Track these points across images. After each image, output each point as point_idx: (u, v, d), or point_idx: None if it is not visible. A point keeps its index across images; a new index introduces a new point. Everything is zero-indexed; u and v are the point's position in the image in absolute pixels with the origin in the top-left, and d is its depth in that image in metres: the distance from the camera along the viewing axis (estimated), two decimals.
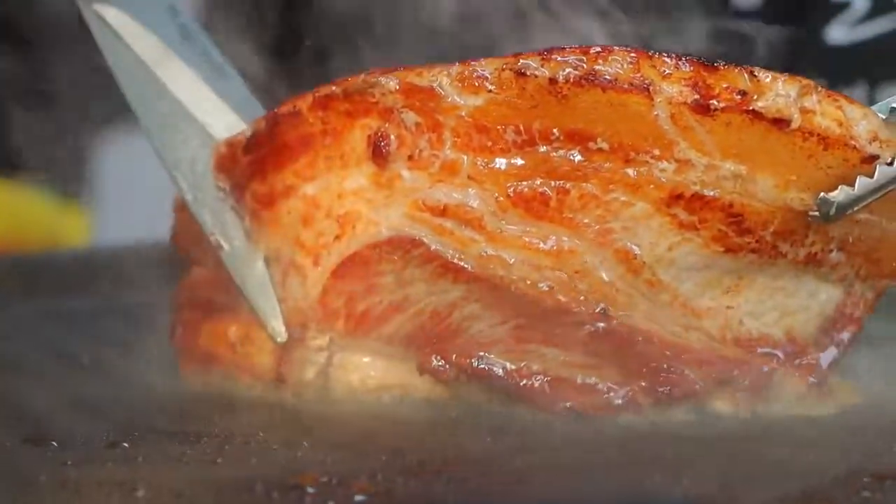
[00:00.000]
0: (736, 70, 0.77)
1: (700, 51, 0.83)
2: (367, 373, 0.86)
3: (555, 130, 0.79)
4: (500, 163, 0.80)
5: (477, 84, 0.79)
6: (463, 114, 0.79)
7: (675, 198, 0.79)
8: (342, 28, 1.14)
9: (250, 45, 1.07)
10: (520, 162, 0.79)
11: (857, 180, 0.78)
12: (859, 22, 1.25)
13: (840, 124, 0.78)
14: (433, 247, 0.81)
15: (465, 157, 0.80)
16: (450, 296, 0.82)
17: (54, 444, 0.76)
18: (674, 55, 0.77)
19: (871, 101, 1.19)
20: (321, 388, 0.86)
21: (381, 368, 0.85)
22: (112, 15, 0.90)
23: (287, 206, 0.84)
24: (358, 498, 0.68)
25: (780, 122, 0.77)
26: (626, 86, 0.77)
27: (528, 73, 0.78)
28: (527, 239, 0.80)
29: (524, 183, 0.80)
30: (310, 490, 0.69)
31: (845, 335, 0.85)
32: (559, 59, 0.78)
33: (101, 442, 0.77)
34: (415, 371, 0.84)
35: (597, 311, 0.80)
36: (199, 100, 0.89)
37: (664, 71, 0.77)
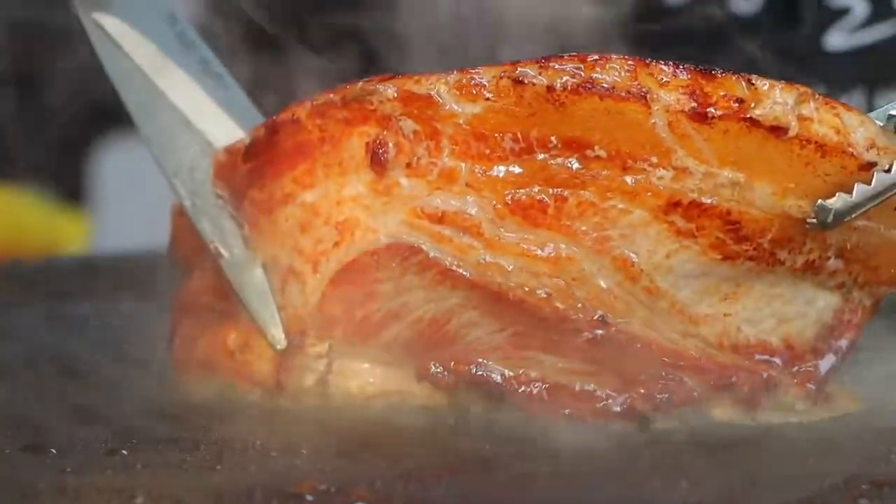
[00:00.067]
0: (733, 78, 0.77)
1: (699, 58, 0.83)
2: (365, 380, 0.86)
3: (552, 138, 0.79)
4: (498, 170, 0.80)
5: (475, 92, 0.79)
6: (461, 121, 0.79)
7: (673, 205, 0.79)
8: (343, 35, 1.14)
9: (249, 52, 1.07)
10: (518, 169, 0.79)
11: (855, 187, 0.78)
12: (858, 28, 1.25)
13: (837, 131, 0.78)
14: (431, 254, 0.81)
15: (464, 165, 0.80)
16: (448, 303, 0.82)
17: (53, 451, 0.76)
18: (671, 63, 0.78)
19: (870, 108, 1.20)
20: (320, 395, 0.86)
21: (379, 375, 0.85)
22: (111, 23, 0.90)
23: (286, 213, 0.85)
24: None
25: (778, 130, 0.77)
26: (623, 94, 0.77)
27: (525, 81, 0.78)
28: (525, 246, 0.80)
29: (522, 190, 0.80)
30: (308, 498, 0.69)
31: (843, 342, 0.85)
32: (557, 66, 0.78)
33: (100, 449, 0.77)
34: (413, 378, 0.84)
35: (595, 318, 0.80)
36: (198, 107, 0.89)
37: (661, 79, 0.77)
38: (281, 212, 0.85)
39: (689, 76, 0.77)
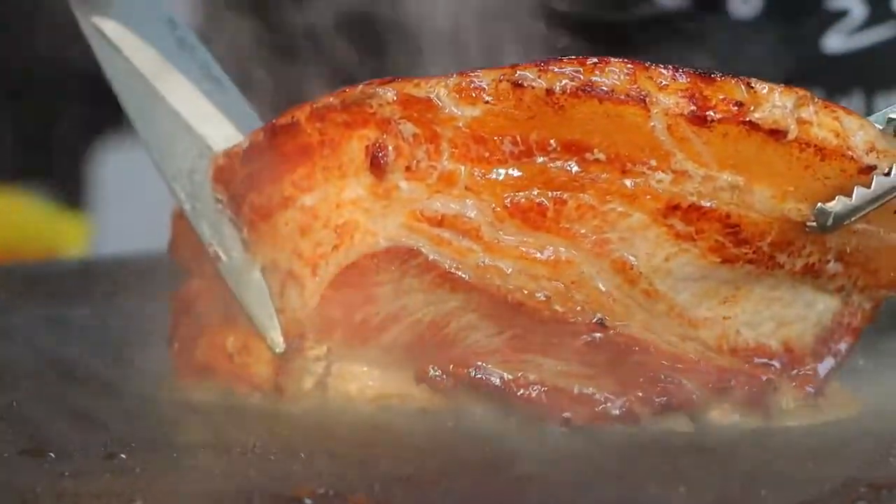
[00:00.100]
0: (733, 81, 0.77)
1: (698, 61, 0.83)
2: (364, 382, 0.86)
3: (552, 141, 0.79)
4: (498, 173, 0.80)
5: (474, 95, 0.79)
6: (460, 125, 0.79)
7: (672, 209, 0.79)
8: (342, 40, 1.14)
9: (248, 56, 1.07)
10: (517, 173, 0.80)
11: (855, 191, 0.78)
12: (856, 30, 1.25)
13: (837, 135, 0.78)
14: (431, 257, 0.81)
15: (463, 168, 0.80)
16: (447, 306, 0.82)
17: (52, 454, 0.76)
18: (670, 66, 0.78)
19: (869, 110, 1.20)
20: (319, 398, 0.86)
21: (378, 378, 0.85)
22: (110, 27, 0.90)
23: (285, 216, 0.85)
24: None
25: (777, 133, 0.77)
26: (622, 97, 0.77)
27: (525, 84, 0.78)
28: (524, 249, 0.80)
29: (521, 193, 0.80)
30: (307, 501, 0.69)
31: (843, 345, 0.85)
32: (556, 70, 0.78)
33: (98, 453, 0.77)
34: (412, 381, 0.84)
35: (593, 321, 0.80)
36: (198, 111, 0.89)
37: (661, 82, 0.77)
38: (280, 215, 0.85)
39: (689, 79, 0.77)
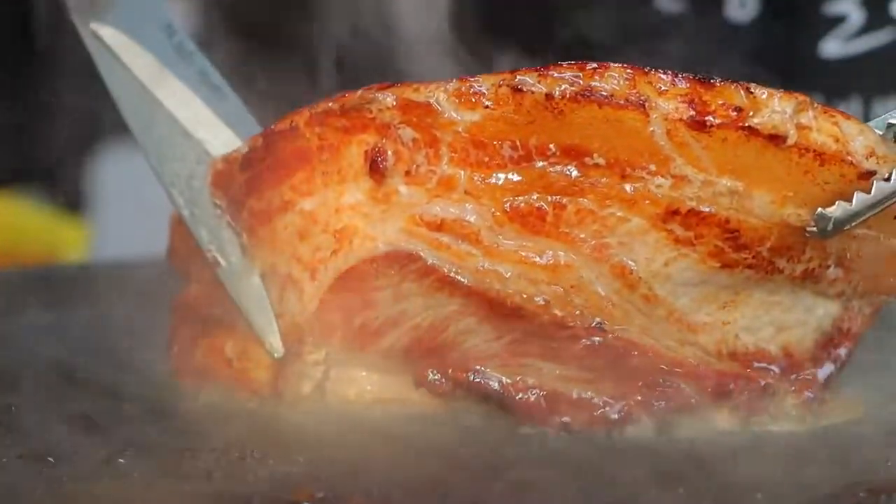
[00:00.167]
0: (732, 86, 0.77)
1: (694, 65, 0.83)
2: (363, 387, 0.86)
3: (551, 146, 0.79)
4: (497, 178, 0.80)
5: (474, 100, 0.79)
6: (460, 129, 0.79)
7: (672, 213, 0.79)
8: (340, 47, 1.14)
9: (247, 63, 1.07)
10: (516, 177, 0.80)
11: (855, 196, 0.78)
12: (854, 36, 1.25)
13: (836, 140, 0.78)
14: (430, 261, 0.81)
15: (462, 173, 0.80)
16: (446, 310, 0.82)
17: (51, 459, 0.76)
18: (670, 71, 0.78)
19: (866, 116, 1.20)
20: (318, 402, 0.86)
21: (377, 383, 0.85)
22: (109, 34, 0.90)
23: (284, 221, 0.85)
24: None
25: (776, 139, 0.77)
26: (622, 102, 0.77)
27: (524, 89, 0.78)
28: (523, 253, 0.80)
29: (521, 198, 0.80)
30: None
31: (842, 350, 0.85)
32: (556, 75, 0.78)
33: (97, 457, 0.77)
34: (411, 385, 0.84)
35: (593, 325, 0.81)
36: (196, 117, 0.89)
37: (660, 87, 0.77)
38: (279, 220, 0.85)
39: (688, 85, 0.77)
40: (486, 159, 0.80)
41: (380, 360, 0.84)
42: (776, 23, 1.26)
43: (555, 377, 0.82)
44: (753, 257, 0.80)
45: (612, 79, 0.77)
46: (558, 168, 0.79)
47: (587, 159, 0.79)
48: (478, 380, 0.82)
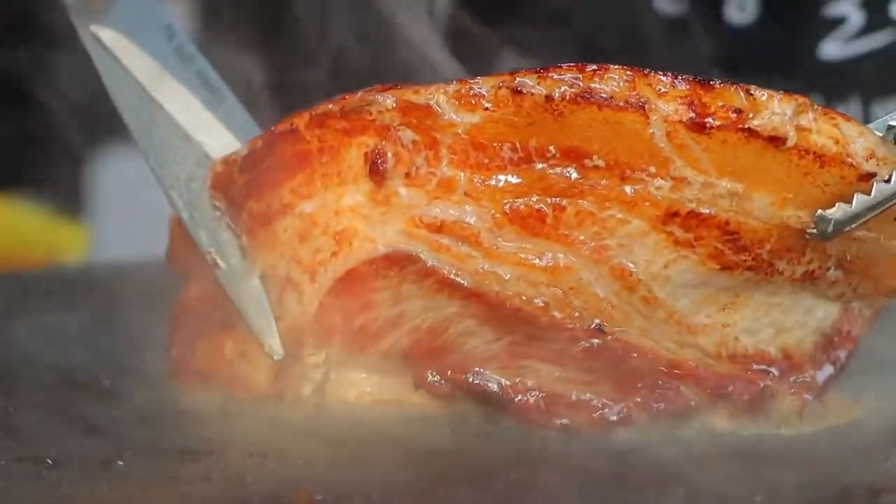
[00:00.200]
0: (732, 88, 0.77)
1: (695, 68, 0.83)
2: (363, 389, 0.86)
3: (551, 148, 0.79)
4: (497, 180, 0.80)
5: (474, 102, 0.79)
6: (460, 131, 0.79)
7: (671, 215, 0.79)
8: (338, 50, 1.14)
9: (246, 65, 1.07)
10: (516, 179, 0.80)
11: (855, 198, 0.78)
12: (853, 37, 1.25)
13: (836, 142, 0.78)
14: (430, 263, 0.81)
15: (462, 175, 0.80)
16: (446, 312, 0.82)
17: (50, 461, 0.76)
18: (669, 73, 0.78)
19: (866, 117, 1.20)
20: (317, 404, 0.86)
21: (377, 384, 0.85)
22: (109, 36, 0.90)
23: (284, 223, 0.85)
24: None
25: (776, 140, 0.77)
26: (621, 104, 0.77)
27: (524, 91, 0.78)
28: (523, 255, 0.80)
29: (520, 200, 0.80)
30: None
31: (842, 353, 0.85)
32: (555, 76, 0.78)
33: (96, 460, 0.77)
34: (411, 387, 0.84)
35: (592, 327, 0.80)
36: (196, 119, 0.89)
37: (660, 89, 0.77)
38: (279, 222, 0.85)
39: (688, 86, 0.77)
40: (486, 161, 0.79)
41: (379, 362, 0.84)
42: (776, 24, 1.26)
43: (554, 379, 0.82)
44: (753, 259, 0.80)
45: (612, 80, 0.77)
46: (558, 170, 0.79)
47: (587, 161, 0.79)
48: (477, 381, 0.82)
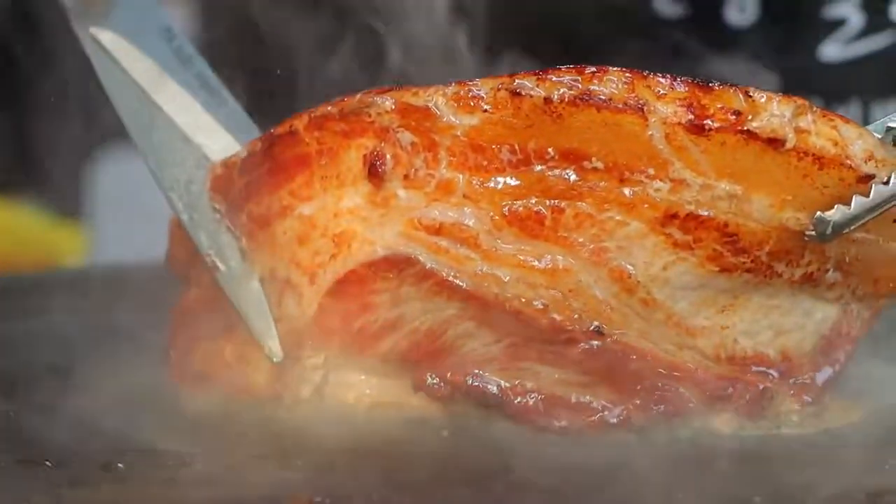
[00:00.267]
0: (731, 90, 0.77)
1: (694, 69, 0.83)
2: (362, 391, 0.86)
3: (550, 150, 0.79)
4: (496, 182, 0.80)
5: (472, 104, 0.79)
6: (458, 133, 0.80)
7: (670, 217, 0.79)
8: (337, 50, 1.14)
9: (245, 67, 1.07)
10: (515, 181, 0.80)
11: (853, 199, 0.78)
12: (853, 39, 1.25)
13: (835, 144, 0.78)
14: (428, 265, 0.81)
15: (461, 177, 0.80)
16: (444, 314, 0.82)
17: (49, 464, 0.76)
18: (668, 75, 0.78)
19: (866, 119, 1.20)
20: (316, 406, 0.86)
21: (376, 386, 0.85)
22: (108, 38, 0.90)
23: (283, 225, 0.85)
24: None
25: (775, 142, 0.77)
26: (620, 106, 0.77)
27: (523, 93, 0.78)
28: (521, 257, 0.80)
29: (519, 202, 0.80)
30: None
31: (841, 354, 0.85)
32: (554, 79, 0.78)
33: (95, 462, 0.77)
34: (410, 389, 0.84)
35: (591, 329, 0.80)
36: (195, 121, 0.89)
37: (659, 91, 0.77)
38: (278, 224, 0.85)
39: (687, 88, 0.77)
40: (485, 163, 0.79)
41: (378, 364, 0.84)
42: (775, 26, 1.26)
43: (553, 381, 0.82)
44: (752, 261, 0.80)
45: (611, 82, 0.77)
46: (557, 172, 0.79)
47: (586, 163, 0.79)
48: (476, 384, 0.82)
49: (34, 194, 2.10)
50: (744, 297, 0.82)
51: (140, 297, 1.04)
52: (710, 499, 0.72)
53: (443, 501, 0.72)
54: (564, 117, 0.78)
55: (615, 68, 0.78)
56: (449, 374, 0.83)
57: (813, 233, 0.79)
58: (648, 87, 0.77)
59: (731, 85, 0.78)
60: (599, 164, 0.79)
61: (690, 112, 0.77)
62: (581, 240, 0.79)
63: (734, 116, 0.77)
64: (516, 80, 0.78)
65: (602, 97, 0.77)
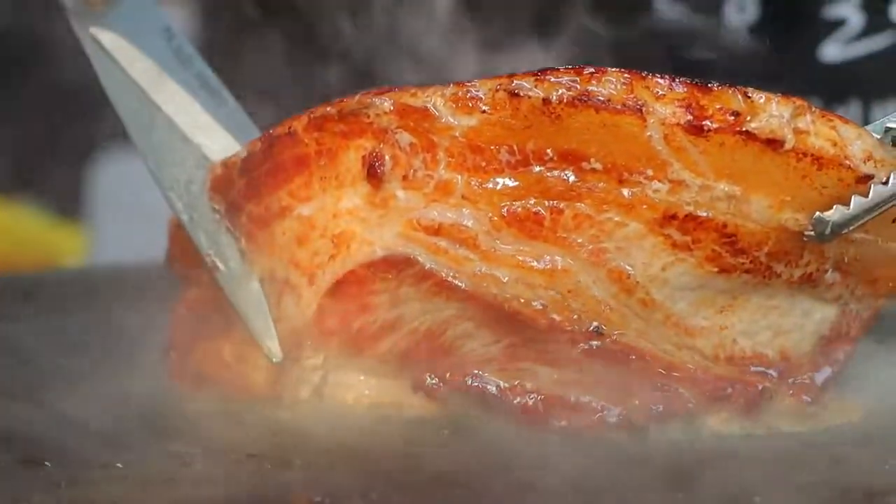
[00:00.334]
0: (730, 91, 0.77)
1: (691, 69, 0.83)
2: (361, 391, 0.86)
3: (548, 151, 0.79)
4: (495, 182, 0.80)
5: (471, 104, 0.79)
6: (457, 134, 0.80)
7: (669, 218, 0.79)
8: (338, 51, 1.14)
9: (245, 67, 1.08)
10: (514, 182, 0.80)
11: (853, 200, 0.78)
12: (853, 40, 1.25)
13: (834, 144, 0.78)
14: (427, 265, 0.81)
15: (460, 177, 0.80)
16: (444, 314, 0.82)
17: (48, 464, 0.76)
18: (667, 76, 0.78)
19: (866, 119, 1.20)
20: (316, 406, 0.86)
21: (375, 387, 0.85)
22: (108, 38, 0.90)
23: (282, 226, 0.85)
24: None
25: (774, 143, 0.77)
26: (619, 106, 0.77)
27: (521, 94, 0.78)
28: (520, 258, 0.80)
29: (518, 203, 0.80)
30: None
31: (840, 354, 0.85)
32: (553, 79, 0.78)
33: (95, 462, 0.77)
34: (409, 389, 0.84)
35: (590, 329, 0.81)
36: (195, 121, 0.89)
37: (657, 92, 0.77)
38: (277, 225, 0.85)
39: (685, 89, 0.77)
40: (484, 164, 0.80)
41: (377, 365, 0.84)
42: (775, 26, 1.26)
43: (552, 381, 0.82)
44: (751, 262, 0.80)
45: (610, 83, 0.77)
46: (555, 173, 0.79)
47: (584, 164, 0.79)
48: (475, 384, 0.82)
49: (34, 194, 2.10)
50: (743, 298, 0.82)
51: (140, 297, 1.04)
52: (709, 499, 0.72)
53: (443, 501, 0.72)
54: (563, 118, 0.78)
55: (613, 69, 0.78)
56: (448, 375, 0.83)
57: (812, 233, 0.79)
58: (647, 87, 0.77)
59: (730, 85, 0.78)
60: (598, 165, 0.79)
61: (689, 113, 0.77)
62: (580, 240, 0.79)
63: (733, 117, 0.77)
64: (514, 81, 0.78)
65: (601, 98, 0.77)
